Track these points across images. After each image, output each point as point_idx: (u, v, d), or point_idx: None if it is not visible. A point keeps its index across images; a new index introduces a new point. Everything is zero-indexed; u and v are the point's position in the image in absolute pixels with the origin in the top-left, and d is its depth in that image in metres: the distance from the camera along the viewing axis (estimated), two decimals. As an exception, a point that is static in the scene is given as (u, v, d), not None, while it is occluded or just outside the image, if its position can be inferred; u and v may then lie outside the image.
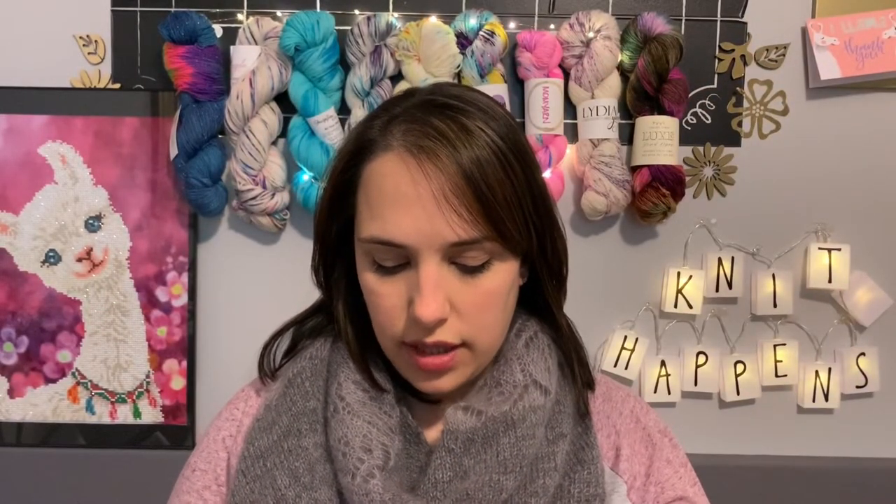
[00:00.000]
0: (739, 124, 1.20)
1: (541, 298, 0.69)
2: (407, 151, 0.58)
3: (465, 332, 0.61)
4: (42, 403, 1.18)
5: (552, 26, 1.17)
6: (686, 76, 1.14)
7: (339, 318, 0.68)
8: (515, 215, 0.59)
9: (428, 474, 0.62)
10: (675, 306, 1.19)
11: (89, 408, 1.18)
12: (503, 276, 0.61)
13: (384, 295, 0.61)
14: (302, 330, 0.73)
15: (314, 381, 0.67)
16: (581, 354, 0.71)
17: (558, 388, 0.67)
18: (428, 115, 0.60)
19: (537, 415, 0.63)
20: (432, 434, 0.66)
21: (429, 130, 0.58)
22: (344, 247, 0.66)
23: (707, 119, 1.20)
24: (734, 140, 1.20)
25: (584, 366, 0.70)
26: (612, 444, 0.71)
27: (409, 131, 0.59)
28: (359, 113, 1.12)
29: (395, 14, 1.17)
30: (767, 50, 1.19)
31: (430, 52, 1.10)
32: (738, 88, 1.20)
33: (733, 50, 1.19)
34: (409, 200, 0.58)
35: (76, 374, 1.18)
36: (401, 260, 0.60)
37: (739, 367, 1.20)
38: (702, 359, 1.20)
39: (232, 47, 1.13)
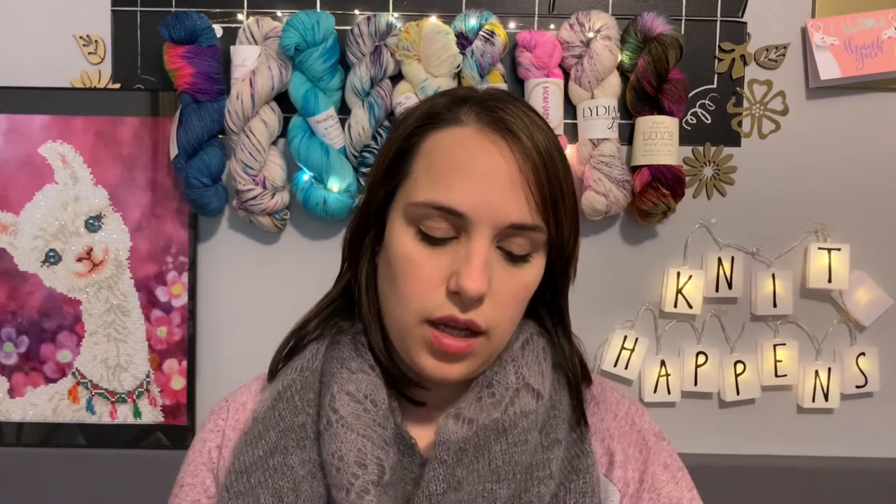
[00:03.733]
0: (739, 124, 1.20)
1: (548, 300, 0.69)
2: (487, 127, 0.60)
3: (493, 319, 0.61)
4: (42, 403, 1.18)
5: (552, 26, 1.17)
6: (686, 76, 1.14)
7: (360, 288, 0.67)
8: (568, 210, 0.62)
9: (422, 487, 0.61)
10: (675, 306, 1.19)
11: (89, 408, 1.18)
12: (537, 271, 0.63)
13: (423, 266, 0.60)
14: (304, 330, 0.72)
15: (304, 394, 0.65)
16: (579, 358, 0.70)
17: (553, 392, 0.66)
18: (502, 102, 0.62)
19: (529, 420, 0.62)
20: (424, 443, 0.65)
21: (507, 114, 0.61)
22: (377, 219, 0.66)
23: (707, 119, 1.20)
24: (734, 140, 1.20)
25: (583, 365, 0.70)
26: (605, 449, 0.70)
27: (485, 111, 0.61)
28: (359, 113, 1.12)
29: (395, 14, 1.17)
30: (767, 50, 1.19)
31: (430, 52, 1.10)
32: (737, 88, 1.20)
33: (733, 50, 1.19)
34: (480, 173, 0.59)
35: (76, 373, 1.18)
36: (449, 233, 0.60)
37: (739, 367, 1.20)
38: (702, 359, 1.20)
39: (232, 47, 1.13)
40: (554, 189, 0.60)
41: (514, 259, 0.61)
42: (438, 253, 0.60)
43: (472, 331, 0.60)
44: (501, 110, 0.61)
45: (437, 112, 0.63)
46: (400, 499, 0.61)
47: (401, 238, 0.62)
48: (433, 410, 0.67)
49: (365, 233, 0.67)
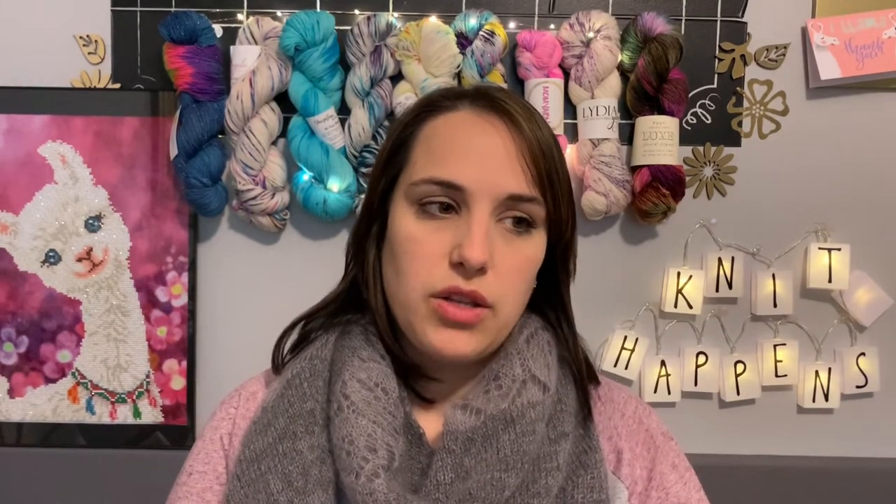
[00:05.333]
0: (739, 124, 1.20)
1: (550, 295, 0.69)
2: (482, 109, 0.64)
3: (498, 293, 0.61)
4: (42, 403, 1.18)
5: (552, 26, 1.17)
6: (686, 76, 1.14)
7: (367, 279, 0.68)
8: (563, 190, 0.64)
9: (430, 476, 0.61)
10: (675, 306, 1.19)
11: (89, 408, 1.18)
12: (539, 247, 0.64)
13: (425, 242, 0.62)
14: (310, 325, 0.72)
15: (312, 381, 0.66)
16: (585, 353, 0.70)
17: (559, 385, 0.67)
18: (496, 89, 0.66)
19: (536, 410, 0.63)
20: (432, 434, 0.66)
21: (502, 98, 0.64)
22: (380, 210, 0.67)
23: (707, 119, 1.20)
24: (734, 140, 1.20)
25: (588, 363, 0.70)
26: (613, 447, 0.70)
27: (479, 96, 0.65)
28: (359, 113, 1.12)
29: (395, 14, 1.17)
30: (767, 50, 1.19)
31: (431, 52, 1.10)
32: (738, 88, 1.20)
33: (733, 50, 1.19)
34: (478, 149, 0.62)
35: (76, 374, 1.18)
36: (449, 210, 0.62)
37: (739, 367, 1.20)
38: (702, 359, 1.20)
39: (232, 47, 1.13)
40: (549, 164, 0.63)
41: (516, 232, 0.63)
42: (440, 228, 0.62)
43: (476, 303, 0.61)
44: (495, 93, 0.65)
45: (434, 101, 0.66)
46: (407, 487, 0.62)
47: (403, 219, 0.63)
48: (443, 405, 0.68)
49: (370, 226, 0.68)
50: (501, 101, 0.63)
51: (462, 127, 0.63)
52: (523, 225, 0.63)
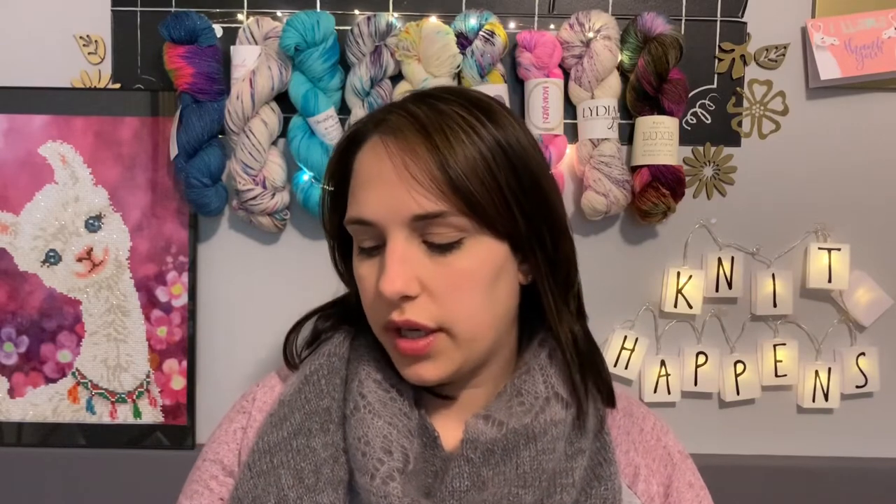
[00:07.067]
0: (739, 124, 1.20)
1: (543, 307, 0.68)
2: (380, 135, 0.62)
3: (440, 315, 0.60)
4: (42, 403, 1.18)
5: (552, 26, 1.17)
6: (686, 76, 1.14)
7: (353, 306, 0.70)
8: (491, 192, 0.60)
9: (445, 482, 0.61)
10: (675, 306, 1.19)
11: (89, 408, 1.18)
12: (480, 257, 0.61)
13: (365, 277, 0.63)
14: (325, 322, 0.73)
15: (330, 379, 0.67)
16: (601, 368, 0.70)
17: (580, 402, 0.67)
18: (406, 103, 0.63)
19: (558, 429, 0.63)
20: (448, 439, 0.65)
21: (402, 114, 0.61)
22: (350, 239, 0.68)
23: (707, 119, 1.20)
24: (734, 140, 1.20)
25: (603, 381, 0.70)
26: (630, 461, 0.70)
27: (371, 120, 0.65)
28: (359, 113, 1.12)
29: (395, 14, 1.17)
30: (767, 50, 1.19)
31: (431, 53, 1.10)
32: (737, 88, 1.20)
33: (733, 50, 1.19)
34: (376, 179, 0.61)
35: (76, 374, 1.18)
36: (377, 241, 0.62)
37: (739, 367, 1.20)
38: (702, 359, 1.20)
39: (232, 47, 1.13)
40: (457, 171, 0.58)
41: (441, 249, 0.60)
42: (374, 263, 0.63)
43: (422, 330, 0.61)
44: (389, 113, 0.63)
45: (362, 132, 0.66)
46: (421, 490, 0.62)
47: (354, 257, 0.65)
48: (457, 409, 0.68)
49: (343, 258, 0.71)
50: (391, 119, 0.62)
51: (367, 159, 0.63)
52: (447, 239, 0.60)
